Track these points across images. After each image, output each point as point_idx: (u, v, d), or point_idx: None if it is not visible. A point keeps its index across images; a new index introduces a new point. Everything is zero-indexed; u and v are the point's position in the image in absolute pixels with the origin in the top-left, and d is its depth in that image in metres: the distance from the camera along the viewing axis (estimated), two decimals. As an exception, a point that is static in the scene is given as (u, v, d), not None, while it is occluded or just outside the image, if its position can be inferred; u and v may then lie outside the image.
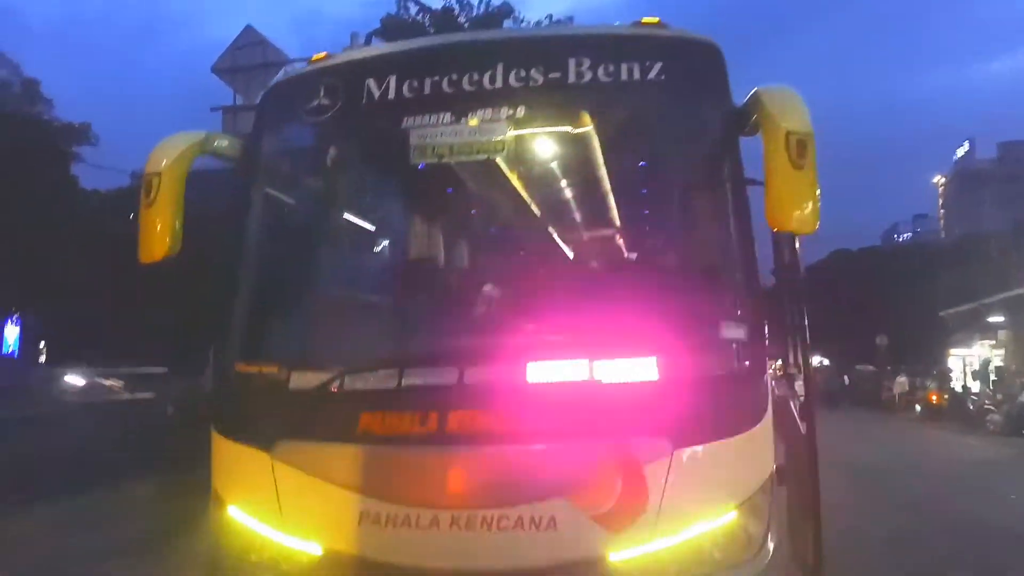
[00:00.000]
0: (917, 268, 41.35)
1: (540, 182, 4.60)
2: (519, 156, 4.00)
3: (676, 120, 3.98)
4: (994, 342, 28.02)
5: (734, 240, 3.64)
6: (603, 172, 4.56)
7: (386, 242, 4.96)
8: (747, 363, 3.49)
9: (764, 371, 3.50)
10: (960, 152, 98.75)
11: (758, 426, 3.45)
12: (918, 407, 27.84)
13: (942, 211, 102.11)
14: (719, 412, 3.42)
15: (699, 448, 3.35)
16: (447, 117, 3.80)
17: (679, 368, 3.46)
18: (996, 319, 26.49)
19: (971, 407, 23.62)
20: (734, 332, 3.53)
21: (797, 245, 4.15)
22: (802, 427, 4.17)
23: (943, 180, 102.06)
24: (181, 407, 7.34)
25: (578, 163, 4.37)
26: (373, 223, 4.81)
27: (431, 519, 3.32)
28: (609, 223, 5.00)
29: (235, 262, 4.08)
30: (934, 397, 27.29)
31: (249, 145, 4.20)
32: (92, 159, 28.65)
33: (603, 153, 4.38)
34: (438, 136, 3.79)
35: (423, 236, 4.82)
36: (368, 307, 4.02)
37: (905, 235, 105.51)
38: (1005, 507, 9.94)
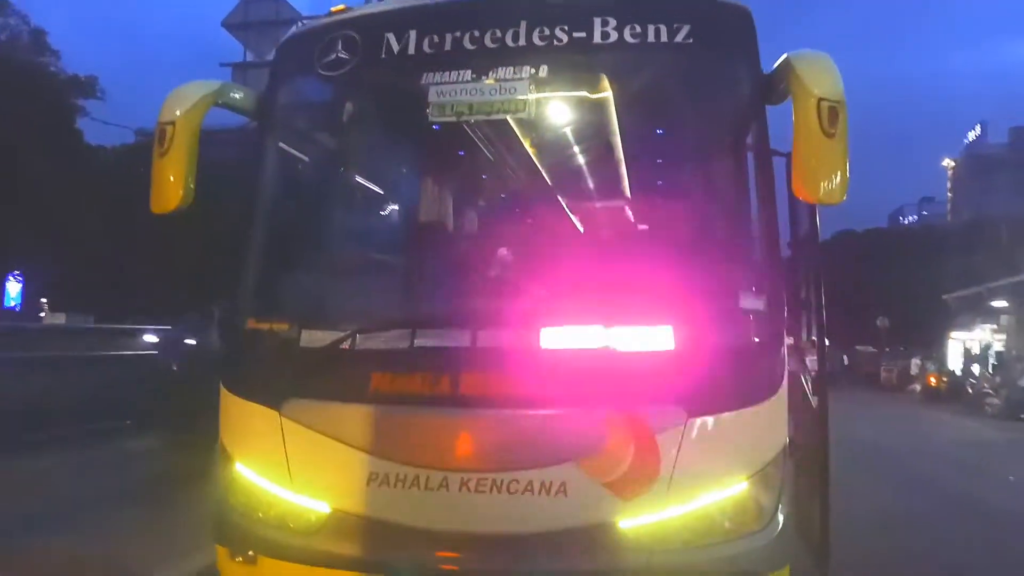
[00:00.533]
0: (922, 251, 41.25)
1: (560, 145, 4.51)
2: (539, 117, 3.92)
3: (703, 85, 3.89)
4: (996, 327, 28.01)
5: (756, 210, 3.59)
6: (624, 136, 4.47)
7: (401, 202, 4.88)
8: (764, 334, 3.45)
9: (781, 343, 3.46)
10: (971, 136, 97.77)
11: (773, 398, 3.42)
12: (917, 388, 27.98)
13: (950, 195, 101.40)
14: (734, 382, 3.39)
15: (713, 417, 3.32)
16: (467, 75, 3.72)
17: (695, 337, 3.42)
18: (999, 304, 26.45)
19: (970, 390, 23.74)
20: (752, 303, 3.49)
21: (817, 218, 4.09)
22: (813, 402, 4.15)
23: (952, 164, 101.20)
24: (185, 364, 7.34)
25: (599, 126, 4.29)
26: (389, 182, 4.73)
27: (440, 481, 3.32)
28: (629, 189, 4.91)
29: (248, 218, 4.02)
30: (933, 380, 27.50)
31: (264, 98, 4.12)
32: (98, 114, 28.48)
33: (625, 116, 4.30)
34: (457, 94, 3.71)
35: (439, 197, 4.74)
36: (382, 267, 3.97)
37: (911, 218, 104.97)
38: (1005, 489, 10.02)
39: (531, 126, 4.13)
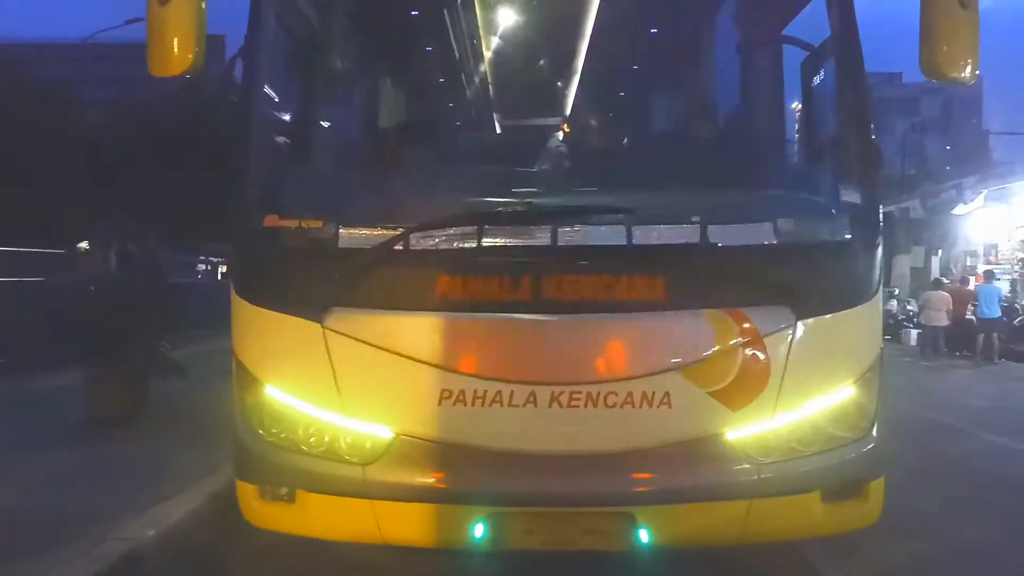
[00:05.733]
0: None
1: (650, 33, 3.94)
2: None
3: None
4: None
5: (852, 104, 3.31)
6: (717, 32, 4.01)
7: (458, 77, 4.17)
8: (865, 232, 3.21)
9: (879, 241, 3.23)
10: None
11: (873, 299, 3.22)
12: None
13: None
14: (840, 281, 3.18)
15: (820, 319, 3.09)
16: None
17: (799, 232, 3.15)
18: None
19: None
20: (853, 196, 3.24)
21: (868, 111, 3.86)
22: None
23: None
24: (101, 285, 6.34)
25: (689, 14, 3.79)
26: (442, 55, 4.00)
27: (526, 396, 2.92)
28: (724, 80, 4.42)
29: (249, 100, 3.28)
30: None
31: None
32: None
33: (717, 12, 3.84)
34: None
35: (509, 73, 4.05)
36: (436, 153, 3.37)
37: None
38: None
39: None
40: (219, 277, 18.01)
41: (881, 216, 3.23)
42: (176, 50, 2.91)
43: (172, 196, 18.36)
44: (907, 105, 74.89)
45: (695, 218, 3.06)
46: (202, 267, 17.83)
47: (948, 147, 59.61)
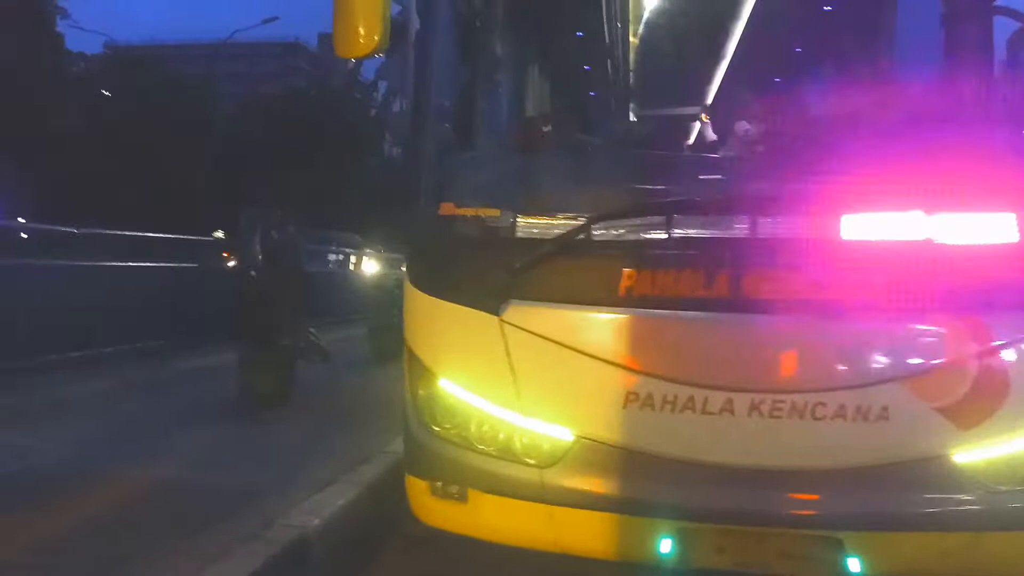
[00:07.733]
0: None
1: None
2: None
3: None
4: None
5: None
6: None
7: (643, 59, 3.95)
8: None
9: None
10: None
11: None
12: None
13: None
14: None
15: None
16: None
17: None
18: None
19: None
20: None
21: None
22: None
23: None
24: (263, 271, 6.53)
25: None
26: (622, 38, 3.78)
27: (723, 403, 2.66)
28: (942, 56, 4.00)
29: (425, 88, 3.19)
30: None
31: None
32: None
33: None
34: None
35: (696, 56, 3.80)
36: (620, 139, 3.16)
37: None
38: None
39: None
40: (351, 267, 18.64)
41: None
42: (362, 31, 2.84)
43: (306, 186, 19.18)
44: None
45: (920, 212, 2.71)
46: (333, 256, 18.49)
47: None
